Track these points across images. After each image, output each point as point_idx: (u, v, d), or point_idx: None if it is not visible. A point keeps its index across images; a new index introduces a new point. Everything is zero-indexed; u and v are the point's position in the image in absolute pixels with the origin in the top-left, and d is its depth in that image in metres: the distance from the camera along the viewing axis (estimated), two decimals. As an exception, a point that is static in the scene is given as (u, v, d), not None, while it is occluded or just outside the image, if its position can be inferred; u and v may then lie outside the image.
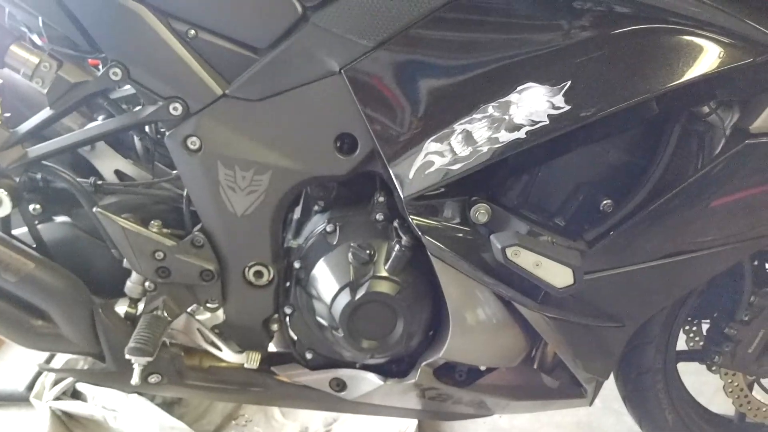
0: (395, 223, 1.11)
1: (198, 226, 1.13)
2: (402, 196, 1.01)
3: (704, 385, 1.58)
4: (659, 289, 1.10)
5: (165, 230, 1.13)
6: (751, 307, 1.27)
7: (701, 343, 1.44)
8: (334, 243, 1.13)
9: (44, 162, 1.12)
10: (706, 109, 0.95)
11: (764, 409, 1.44)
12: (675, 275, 1.07)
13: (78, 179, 1.14)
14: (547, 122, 0.92)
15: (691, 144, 0.98)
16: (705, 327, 1.43)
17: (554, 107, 0.92)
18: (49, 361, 1.78)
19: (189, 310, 1.22)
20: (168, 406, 1.73)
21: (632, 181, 1.02)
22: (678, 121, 0.98)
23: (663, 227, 1.02)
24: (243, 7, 1.01)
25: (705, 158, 0.97)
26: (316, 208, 1.21)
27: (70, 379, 1.71)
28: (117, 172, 1.25)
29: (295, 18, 0.99)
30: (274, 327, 1.22)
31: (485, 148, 0.96)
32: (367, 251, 1.10)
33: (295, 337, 1.24)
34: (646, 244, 1.04)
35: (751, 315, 1.28)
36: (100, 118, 1.26)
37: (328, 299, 1.11)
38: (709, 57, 0.87)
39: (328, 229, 1.14)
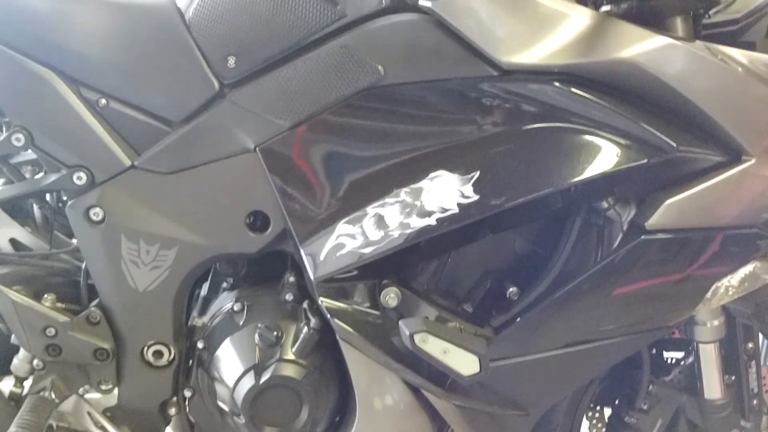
0: (305, 305, 1.09)
1: (95, 302, 1.08)
2: (312, 278, 1.00)
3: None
4: (563, 377, 1.11)
5: (59, 305, 1.08)
6: (650, 395, 1.31)
7: (603, 430, 1.46)
8: (241, 323, 1.10)
9: (-69, 228, 1.05)
10: (605, 204, 1.00)
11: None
12: (578, 363, 1.09)
13: (-32, 248, 1.08)
14: (457, 210, 0.94)
15: (592, 236, 1.02)
16: (607, 413, 1.46)
17: (464, 196, 0.94)
18: None
19: (79, 391, 1.14)
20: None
21: (537, 269, 1.05)
22: (579, 214, 1.02)
23: (566, 316, 1.04)
24: (159, 79, 1.01)
25: (604, 250, 1.01)
26: (224, 285, 1.18)
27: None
28: (12, 241, 1.19)
29: (211, 93, 0.99)
30: (172, 411, 1.16)
31: (397, 233, 0.97)
32: (275, 333, 1.07)
33: (194, 422, 1.17)
34: (550, 332, 1.05)
35: (649, 403, 1.31)
36: None
37: (231, 382, 1.07)
38: (607, 156, 0.92)
39: (236, 308, 1.11)
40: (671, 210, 0.94)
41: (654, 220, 0.95)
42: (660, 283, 1.02)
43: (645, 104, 0.93)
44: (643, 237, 0.96)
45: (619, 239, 0.98)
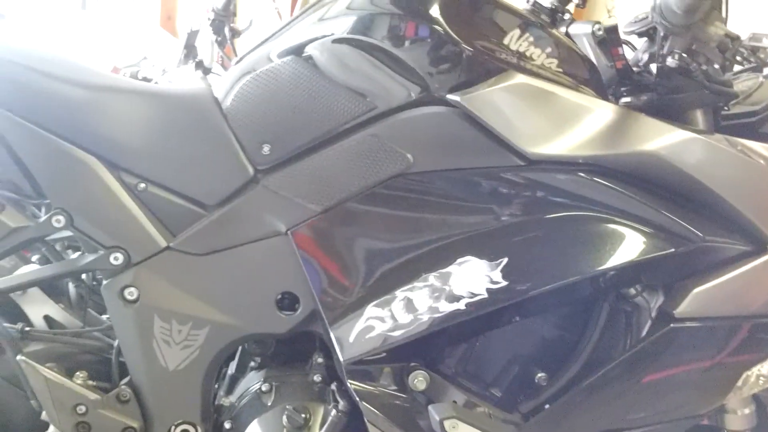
0: (333, 386, 1.09)
1: (125, 380, 1.08)
2: (341, 359, 1.01)
3: None
4: (593, 465, 1.09)
5: (90, 382, 1.08)
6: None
7: None
8: (269, 404, 1.10)
9: (-28, 305, 1.08)
10: (633, 292, 1.00)
11: None
12: (608, 452, 1.08)
13: (5, 324, 1.10)
14: (486, 296, 0.95)
15: (620, 323, 1.03)
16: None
17: (492, 281, 0.95)
18: None
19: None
20: None
21: (566, 355, 1.04)
22: (607, 300, 1.02)
23: (595, 403, 1.03)
24: (195, 165, 1.04)
25: (633, 338, 1.01)
26: (252, 364, 1.18)
27: None
28: (46, 318, 1.21)
29: (246, 179, 1.03)
30: (199, 491, 1.15)
31: (425, 317, 0.98)
32: (303, 415, 1.07)
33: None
34: (580, 420, 1.04)
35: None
36: (35, 258, 1.23)
37: (258, 464, 1.07)
38: (634, 245, 0.93)
39: (264, 388, 1.11)
40: (699, 298, 0.95)
41: (682, 308, 0.96)
42: (690, 371, 1.02)
43: (670, 195, 0.96)
44: (672, 325, 0.97)
45: (647, 327, 0.99)
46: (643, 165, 0.95)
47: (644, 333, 0.98)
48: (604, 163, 0.96)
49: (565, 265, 0.95)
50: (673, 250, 0.93)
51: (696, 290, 0.95)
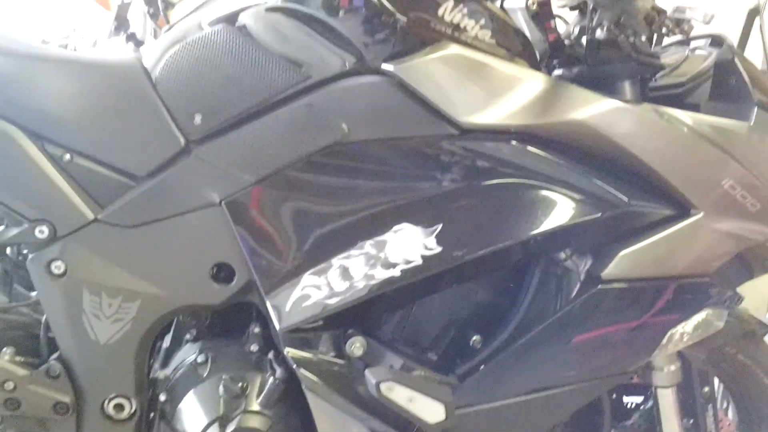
0: (270, 355, 1.09)
1: (55, 355, 1.06)
2: (278, 328, 1.01)
3: None
4: (526, 424, 1.13)
5: (18, 358, 1.05)
6: (607, 441, 1.33)
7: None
8: (205, 375, 1.09)
9: None
10: (562, 256, 1.04)
11: None
12: (541, 410, 1.11)
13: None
14: (421, 262, 0.96)
15: (551, 286, 1.06)
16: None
17: (427, 248, 0.96)
18: None
19: (37, 447, 1.11)
20: None
21: (499, 318, 1.07)
22: (538, 265, 1.05)
23: (528, 363, 1.06)
24: (124, 135, 1.02)
25: (563, 300, 1.04)
26: (187, 336, 1.17)
27: None
28: (-31, 294, 1.17)
29: (177, 149, 1.00)
30: (133, 465, 1.14)
31: (361, 284, 0.98)
32: (240, 384, 1.06)
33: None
34: (514, 380, 1.08)
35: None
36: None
37: (194, 435, 1.06)
38: (563, 211, 0.96)
39: (200, 359, 1.10)
40: (625, 261, 0.99)
41: (609, 271, 0.99)
42: (617, 331, 1.06)
43: (597, 162, 0.98)
44: (599, 286, 1.00)
45: (576, 289, 1.02)
46: (573, 133, 0.98)
47: (573, 295, 1.02)
48: (536, 132, 0.98)
49: (498, 230, 0.97)
50: (599, 214, 0.96)
51: (622, 253, 0.99)
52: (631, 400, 1.40)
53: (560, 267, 1.05)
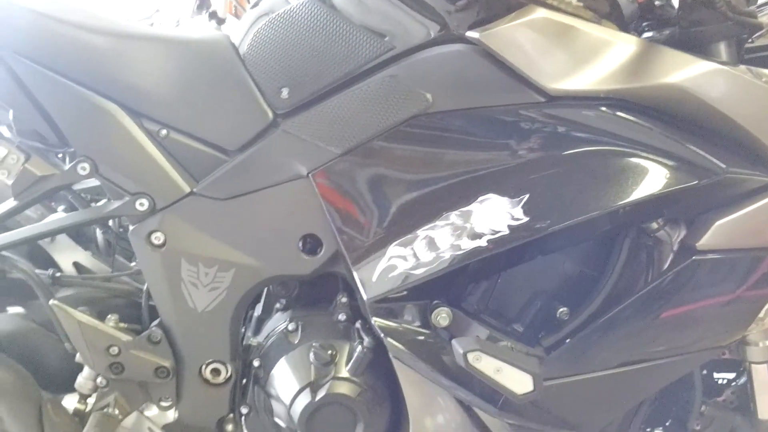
0: (357, 324, 1.12)
1: (156, 322, 1.12)
2: (365, 298, 1.03)
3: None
4: (614, 398, 1.11)
5: (122, 325, 1.12)
6: (702, 416, 1.29)
7: (654, 451, 1.45)
8: (296, 342, 1.13)
9: (2, 252, 1.11)
10: (655, 225, 1.01)
11: None
12: (629, 384, 1.09)
13: (36, 271, 1.13)
14: (507, 232, 0.96)
15: (642, 257, 1.03)
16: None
17: (513, 218, 0.96)
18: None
19: (140, 408, 1.18)
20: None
21: (587, 290, 1.05)
22: (629, 235, 1.02)
23: (617, 337, 1.04)
24: (215, 110, 1.05)
25: (655, 271, 1.01)
26: (277, 306, 1.21)
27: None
28: (76, 264, 1.24)
29: (265, 123, 1.03)
30: (229, 427, 1.18)
31: (447, 255, 0.99)
32: (329, 351, 1.09)
33: (251, 439, 1.21)
34: (601, 353, 1.06)
35: (702, 424, 1.29)
36: (61, 208, 1.26)
37: (287, 399, 1.10)
38: (656, 178, 0.93)
39: (290, 327, 1.14)
40: (721, 231, 0.95)
41: (704, 241, 0.96)
42: (711, 304, 1.02)
43: (692, 127, 0.95)
44: (693, 258, 0.97)
45: (669, 260, 0.99)
46: (666, 98, 0.94)
47: (666, 266, 0.99)
48: (627, 97, 0.95)
49: (587, 200, 0.95)
50: (695, 182, 0.93)
51: (718, 222, 0.95)
52: (722, 377, 1.35)
53: (652, 238, 1.02)
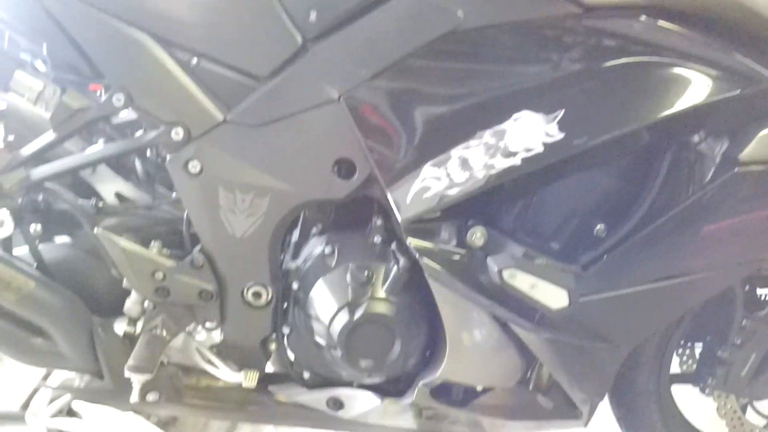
0: (393, 246, 1.13)
1: (197, 247, 1.14)
2: (400, 219, 1.03)
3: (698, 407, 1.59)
4: (653, 312, 1.11)
5: (165, 251, 1.15)
6: (743, 330, 1.29)
7: (694, 366, 1.46)
8: (333, 264, 1.15)
9: (46, 184, 1.14)
10: (696, 138, 0.98)
11: (756, 431, 1.45)
12: (668, 299, 1.09)
13: (79, 201, 1.16)
14: (542, 150, 0.95)
15: (682, 171, 1.01)
16: (698, 350, 1.45)
17: (548, 135, 0.94)
18: (45, 378, 1.78)
19: (187, 330, 1.23)
20: (164, 425, 1.73)
21: (625, 206, 1.04)
22: (669, 149, 1.00)
23: (656, 251, 1.04)
24: (245, 37, 1.04)
25: (696, 185, 0.99)
26: (314, 230, 1.23)
27: (65, 398, 1.70)
28: (117, 195, 1.27)
29: (295, 48, 1.02)
30: (272, 347, 1.23)
31: (481, 174, 0.98)
32: (366, 272, 1.11)
33: (293, 357, 1.25)
34: (640, 268, 1.06)
35: (743, 338, 1.29)
36: (101, 141, 1.28)
37: (326, 319, 1.13)
38: (697, 89, 0.90)
39: (327, 251, 1.16)
40: (765, 142, 0.92)
41: (748, 152, 0.93)
42: (753, 217, 1.01)
43: (735, 35, 0.91)
44: (736, 170, 0.95)
45: (711, 173, 0.97)
46: (709, 4, 0.90)
47: (707, 179, 0.97)
48: (667, 5, 0.91)
49: (624, 114, 0.93)
50: (738, 91, 0.89)
51: (762, 133, 0.92)
52: (765, 292, 1.34)
53: (693, 151, 1.00)
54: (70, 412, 1.72)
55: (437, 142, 1.00)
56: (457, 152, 0.99)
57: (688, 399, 1.50)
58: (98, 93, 1.22)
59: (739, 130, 0.95)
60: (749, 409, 1.46)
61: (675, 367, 1.45)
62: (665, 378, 1.39)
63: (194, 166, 1.07)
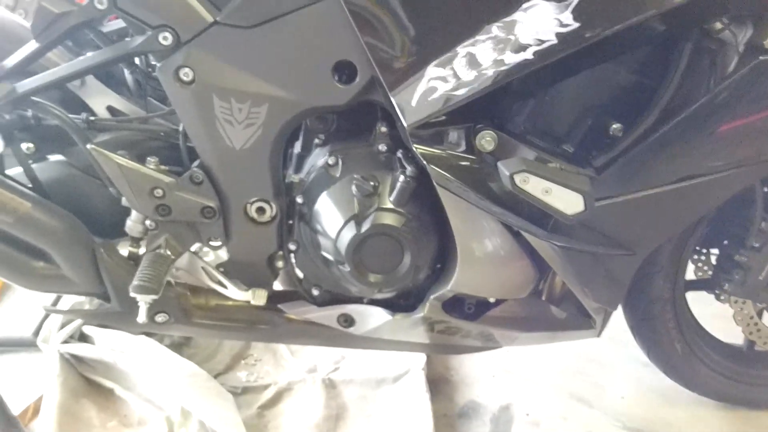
0: (399, 154, 1.09)
1: (196, 162, 1.10)
2: (405, 125, 0.98)
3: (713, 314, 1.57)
4: (670, 216, 1.07)
5: (162, 167, 1.11)
6: (762, 233, 1.25)
7: (710, 273, 1.43)
8: (337, 176, 1.10)
9: (34, 98, 1.09)
10: (718, 26, 0.91)
11: (774, 336, 1.43)
12: (686, 200, 1.05)
13: (70, 116, 1.11)
14: (555, 41, 0.88)
15: (703, 62, 0.94)
16: (713, 258, 1.42)
17: (562, 24, 0.88)
18: (55, 303, 1.78)
19: (193, 249, 1.20)
20: (177, 347, 1.74)
21: (643, 103, 0.98)
22: (689, 38, 0.93)
23: (674, 151, 0.99)
24: None
25: (717, 77, 0.93)
26: (316, 141, 1.18)
27: (76, 323, 1.71)
28: (109, 108, 1.22)
29: None
30: (279, 264, 1.21)
31: (490, 71, 0.92)
32: (372, 183, 1.07)
33: (301, 274, 1.22)
34: (657, 169, 1.01)
35: (762, 241, 1.26)
36: (88, 54, 1.22)
37: (332, 233, 1.09)
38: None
39: (330, 161, 1.11)
40: (795, 25, 0.86)
41: (774, 37, 0.86)
42: (777, 111, 0.94)
43: None
44: (761, 57, 0.88)
45: (734, 63, 0.91)
46: None
47: (730, 69, 0.91)
48: None
49: (643, -1, 0.86)
50: (767, -32, 0.82)
51: (791, 16, 0.85)
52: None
53: (715, 40, 0.93)
54: (82, 337, 1.74)
55: (442, 39, 0.94)
56: (463, 49, 0.93)
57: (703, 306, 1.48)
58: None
59: (763, 15, 0.88)
60: (766, 314, 1.44)
61: (690, 275, 1.42)
62: (680, 285, 1.37)
63: (186, 74, 1.02)
